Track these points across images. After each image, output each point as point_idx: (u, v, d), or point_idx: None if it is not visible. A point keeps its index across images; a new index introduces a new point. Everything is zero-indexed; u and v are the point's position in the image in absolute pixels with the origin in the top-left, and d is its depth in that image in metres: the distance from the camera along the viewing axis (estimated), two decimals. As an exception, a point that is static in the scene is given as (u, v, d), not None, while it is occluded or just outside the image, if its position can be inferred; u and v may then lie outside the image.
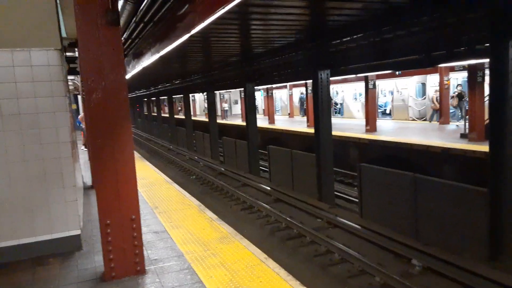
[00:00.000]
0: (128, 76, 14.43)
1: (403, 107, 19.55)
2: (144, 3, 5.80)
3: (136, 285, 3.85)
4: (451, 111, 15.90)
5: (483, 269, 5.50)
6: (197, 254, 4.50)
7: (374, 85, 15.59)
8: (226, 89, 22.58)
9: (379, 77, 16.76)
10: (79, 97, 17.10)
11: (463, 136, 11.51)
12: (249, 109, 14.38)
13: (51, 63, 4.60)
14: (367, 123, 15.28)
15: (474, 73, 11.24)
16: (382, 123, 17.60)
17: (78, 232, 4.84)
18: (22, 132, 4.52)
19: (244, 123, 15.57)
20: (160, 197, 7.44)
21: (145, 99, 38.62)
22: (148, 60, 9.26)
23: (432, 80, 17.62)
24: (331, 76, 9.58)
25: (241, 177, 13.03)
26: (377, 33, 7.37)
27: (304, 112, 23.81)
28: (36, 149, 4.58)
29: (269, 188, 11.25)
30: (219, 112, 29.92)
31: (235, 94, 35.35)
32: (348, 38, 7.97)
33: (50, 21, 4.54)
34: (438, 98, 15.81)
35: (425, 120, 18.05)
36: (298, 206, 9.50)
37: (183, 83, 20.52)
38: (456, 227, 6.32)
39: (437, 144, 10.47)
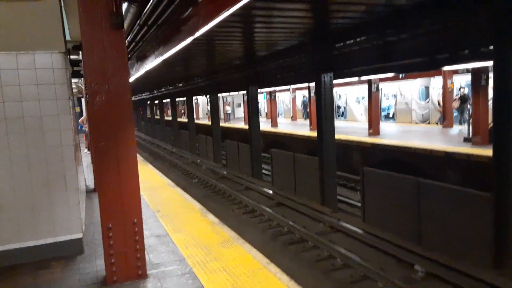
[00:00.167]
0: (131, 79, 14.47)
1: (407, 110, 19.51)
2: (148, 6, 5.82)
3: (138, 289, 3.83)
4: (455, 114, 15.85)
5: (487, 275, 5.46)
6: (198, 258, 4.48)
7: (377, 88, 15.56)
8: (229, 92, 22.62)
9: (382, 80, 16.73)
10: (83, 100, 17.13)
11: (466, 139, 11.46)
12: (252, 112, 14.38)
13: (55, 66, 4.61)
14: (370, 127, 15.24)
15: (478, 76, 11.19)
16: (385, 127, 17.55)
17: (80, 235, 4.83)
18: (25, 135, 4.52)
19: (247, 126, 15.56)
20: (163, 201, 7.42)
21: (148, 102, 38.71)
22: (152, 63, 9.29)
23: (436, 83, 17.57)
24: (334, 79, 9.57)
25: (244, 181, 13.02)
26: (381, 36, 7.36)
27: (307, 115, 23.78)
28: (39, 152, 4.58)
29: (271, 192, 11.23)
30: (222, 115, 29.95)
31: (238, 97, 35.40)
32: (352, 41, 7.96)
33: (55, 24, 4.55)
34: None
35: (428, 123, 18.00)
36: (301, 210, 9.48)
37: (186, 86, 20.55)
38: (459, 232, 6.28)
39: (441, 148, 10.43)
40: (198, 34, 5.73)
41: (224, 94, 28.13)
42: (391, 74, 12.07)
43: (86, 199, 7.32)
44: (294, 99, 27.44)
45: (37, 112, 4.55)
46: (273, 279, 3.86)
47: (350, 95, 23.78)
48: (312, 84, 17.00)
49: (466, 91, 14.51)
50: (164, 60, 8.85)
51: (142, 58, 10.07)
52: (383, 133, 15.05)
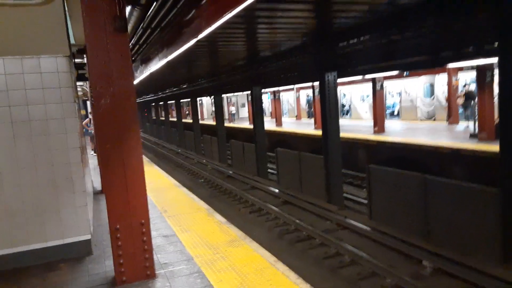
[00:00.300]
0: (136, 82, 14.53)
1: (411, 107, 19.44)
2: (151, 9, 5.85)
3: (147, 289, 3.87)
4: (460, 110, 15.77)
5: (496, 270, 5.44)
6: (206, 258, 4.51)
7: (382, 86, 15.52)
8: (233, 93, 22.65)
9: (386, 78, 16.69)
10: (88, 102, 17.25)
11: (472, 136, 11.41)
12: (257, 112, 14.40)
13: (60, 69, 4.65)
14: (375, 124, 15.21)
15: (483, 73, 11.14)
16: (390, 124, 17.50)
17: (88, 237, 4.87)
18: (32, 139, 4.57)
19: (251, 126, 15.58)
20: (169, 201, 7.46)
21: (153, 104, 38.86)
22: (156, 65, 9.33)
23: (441, 80, 17.49)
24: (338, 78, 9.57)
25: (249, 180, 13.05)
26: (384, 35, 7.34)
27: (312, 114, 23.77)
28: (46, 155, 4.62)
29: (277, 191, 11.25)
30: (226, 116, 29.99)
31: (242, 97, 35.41)
32: (355, 40, 7.95)
33: (59, 28, 4.59)
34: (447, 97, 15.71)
35: (434, 120, 17.92)
36: (307, 208, 9.49)
37: (191, 87, 20.61)
38: (467, 228, 6.26)
39: (446, 144, 10.39)
40: (201, 36, 5.75)
41: (228, 94, 28.16)
42: (395, 72, 12.05)
43: (94, 201, 7.37)
44: (298, 99, 27.43)
45: (43, 116, 4.60)
46: (281, 277, 3.88)
47: (354, 93, 23.74)
48: (316, 83, 17.00)
49: (471, 88, 14.42)
50: (168, 62, 8.88)
51: (146, 60, 10.12)
52: (388, 131, 15.02)
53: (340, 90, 23.21)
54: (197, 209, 6.74)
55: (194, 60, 11.80)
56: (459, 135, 12.28)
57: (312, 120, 21.68)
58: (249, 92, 17.05)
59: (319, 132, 11.35)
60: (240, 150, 15.57)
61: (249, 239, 5.04)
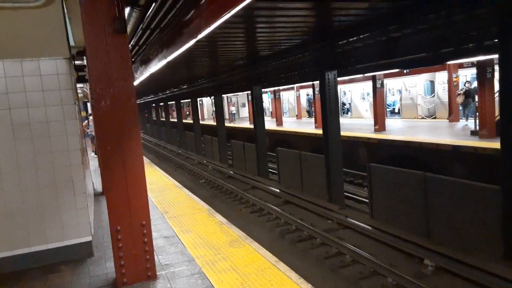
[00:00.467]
0: (136, 83, 14.53)
1: (412, 105, 19.42)
2: (150, 10, 5.84)
3: (148, 291, 3.87)
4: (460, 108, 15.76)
5: (497, 267, 5.43)
6: (207, 258, 4.51)
7: (382, 84, 15.51)
8: (233, 93, 22.65)
9: (386, 76, 16.67)
10: (89, 104, 17.26)
11: (473, 133, 11.39)
12: (257, 112, 14.39)
13: (60, 72, 4.65)
14: (375, 123, 15.20)
15: (483, 70, 11.11)
16: (391, 122, 17.49)
17: (89, 238, 4.87)
18: (32, 141, 4.58)
19: (252, 126, 15.58)
20: (170, 202, 7.46)
21: (153, 105, 38.87)
22: (156, 66, 9.32)
23: (441, 78, 17.47)
24: (338, 77, 9.56)
25: (250, 180, 13.04)
26: (384, 32, 7.33)
27: (312, 113, 23.76)
28: (46, 157, 4.63)
29: (278, 190, 11.24)
30: (227, 116, 29.99)
31: (243, 97, 35.41)
32: (355, 38, 7.94)
33: (58, 30, 4.59)
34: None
35: (434, 117, 17.90)
36: (308, 208, 9.48)
37: (191, 87, 20.61)
38: (468, 226, 6.25)
39: (447, 142, 10.38)
40: (200, 36, 5.73)
41: (228, 94, 28.17)
42: (395, 70, 12.03)
43: (94, 203, 7.38)
44: (298, 98, 27.41)
45: (44, 118, 4.60)
46: (283, 277, 3.87)
47: (354, 91, 23.71)
48: (317, 82, 16.98)
49: (471, 85, 14.39)
50: (168, 63, 8.87)
51: (146, 61, 10.11)
52: (389, 129, 15.00)
53: (341, 88, 23.21)
54: (198, 210, 6.74)
55: (194, 60, 11.80)
56: (460, 133, 12.27)
57: (313, 119, 21.68)
58: (249, 92, 17.04)
59: (319, 131, 11.34)
60: (241, 150, 15.57)
61: (250, 240, 5.05)
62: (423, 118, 18.57)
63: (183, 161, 19.60)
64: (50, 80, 4.62)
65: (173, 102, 30.15)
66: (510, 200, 5.70)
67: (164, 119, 33.56)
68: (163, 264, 4.45)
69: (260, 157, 14.09)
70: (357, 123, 18.99)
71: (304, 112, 27.89)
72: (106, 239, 5.35)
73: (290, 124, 22.57)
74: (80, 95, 12.87)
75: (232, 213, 10.05)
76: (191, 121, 24.42)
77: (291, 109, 30.66)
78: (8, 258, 4.54)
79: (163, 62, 8.45)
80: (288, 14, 6.81)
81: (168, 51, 7.52)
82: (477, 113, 11.64)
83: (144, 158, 4.79)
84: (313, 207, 9.37)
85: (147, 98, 34.61)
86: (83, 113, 15.45)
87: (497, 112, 10.75)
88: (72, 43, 6.38)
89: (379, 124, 15.01)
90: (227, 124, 21.50)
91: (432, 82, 18.38)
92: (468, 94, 14.04)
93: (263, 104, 15.42)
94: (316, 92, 19.37)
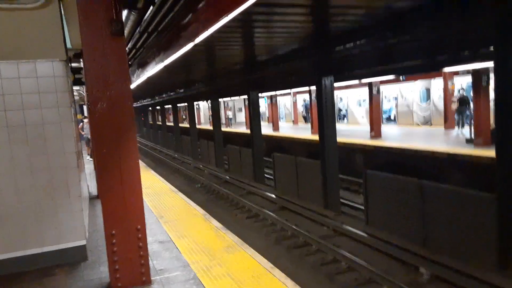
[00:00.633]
0: (133, 86, 14.50)
1: (408, 112, 19.50)
2: (148, 13, 5.84)
3: (142, 296, 3.83)
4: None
5: (493, 277, 5.43)
6: (202, 264, 4.47)
7: (378, 90, 15.56)
8: (230, 97, 22.67)
9: (383, 82, 16.73)
10: (85, 107, 17.20)
11: (468, 141, 11.43)
12: (253, 117, 14.40)
13: (56, 74, 4.62)
14: (371, 129, 15.24)
15: (478, 77, 11.17)
16: (387, 129, 17.54)
17: (83, 242, 4.82)
18: (28, 143, 4.53)
19: (248, 131, 15.58)
20: (166, 206, 7.42)
21: (150, 108, 38.80)
22: (153, 69, 9.31)
23: (437, 85, 17.56)
24: (335, 82, 9.58)
25: (246, 185, 13.02)
26: (381, 38, 7.37)
27: (309, 119, 23.80)
28: (42, 159, 4.58)
29: (274, 196, 11.22)
30: (223, 120, 29.96)
31: (239, 102, 35.42)
32: (352, 44, 7.98)
33: (55, 32, 4.57)
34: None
35: (430, 125, 17.98)
36: (304, 214, 9.46)
37: (187, 91, 20.62)
38: (464, 234, 6.25)
39: (443, 149, 10.41)
40: (198, 40, 5.75)
41: (225, 99, 28.17)
42: (391, 77, 12.08)
43: (89, 206, 7.32)
44: (295, 103, 27.45)
45: (39, 120, 4.56)
46: (278, 284, 3.84)
47: (351, 98, 23.79)
48: (313, 88, 17.02)
49: (465, 93, 14.47)
50: (165, 66, 8.88)
51: (143, 64, 10.11)
52: (384, 136, 15.04)
53: (337, 94, 23.27)
54: (194, 215, 6.70)
55: (191, 64, 11.80)
56: (455, 141, 12.31)
57: (309, 125, 21.71)
58: (246, 96, 17.05)
59: (316, 137, 11.35)
60: (237, 155, 15.55)
61: (245, 245, 5.01)
62: (418, 125, 18.64)
63: (179, 166, 19.55)
64: (47, 82, 4.58)
65: (170, 105, 30.11)
66: (505, 209, 5.71)
67: (160, 123, 33.50)
68: (157, 269, 4.41)
69: (256, 162, 14.07)
70: (353, 130, 19.03)
71: (301, 117, 27.92)
72: (101, 243, 5.30)
73: (286, 130, 22.58)
74: (76, 98, 12.82)
75: (228, 218, 10.01)
76: (188, 125, 24.39)
77: (288, 114, 30.69)
78: (4, 261, 4.48)
79: (160, 65, 8.45)
80: (286, 19, 6.84)
81: (165, 54, 7.53)
82: (472, 121, 11.69)
83: (140, 162, 4.76)
84: (309, 213, 9.35)
85: (144, 102, 34.57)
86: (79, 116, 15.39)
87: (492, 121, 10.82)
88: (69, 45, 6.36)
89: (375, 130, 15.05)
90: (223, 128, 21.48)
91: (428, 90, 18.48)
92: (463, 101, 14.10)
93: (260, 109, 15.44)
94: (313, 98, 19.41)
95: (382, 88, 18.16)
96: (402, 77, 17.40)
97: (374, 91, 15.35)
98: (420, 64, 7.30)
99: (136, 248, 3.93)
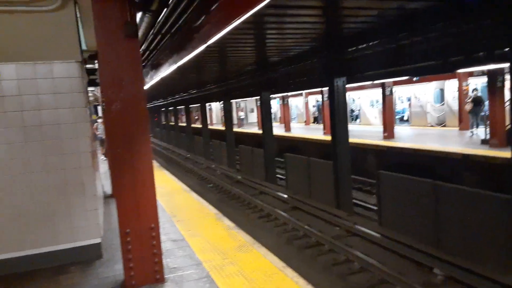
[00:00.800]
0: (146, 87, 14.65)
1: (421, 113, 19.31)
2: (161, 15, 5.91)
3: (156, 294, 3.88)
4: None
5: (508, 278, 5.36)
6: (215, 263, 4.51)
7: (391, 91, 15.46)
8: (242, 98, 22.72)
9: (396, 83, 16.61)
10: (99, 107, 17.44)
11: (484, 142, 11.29)
12: (265, 117, 14.42)
13: (72, 75, 4.72)
14: (384, 130, 15.14)
15: (493, 78, 11.03)
16: (400, 130, 17.40)
17: (98, 240, 4.91)
18: (44, 143, 4.63)
19: (260, 131, 15.61)
20: (178, 206, 7.49)
21: (163, 109, 39.10)
22: (166, 70, 9.40)
23: (451, 86, 17.36)
24: (347, 83, 9.55)
25: (258, 185, 13.04)
26: (393, 40, 7.33)
27: (320, 119, 23.70)
28: (57, 159, 4.68)
29: (286, 196, 11.22)
30: (235, 121, 30.04)
31: (251, 102, 35.50)
32: (364, 45, 7.94)
33: (71, 34, 4.66)
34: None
35: (444, 126, 17.77)
36: (316, 214, 9.45)
37: (200, 92, 20.72)
38: (479, 235, 6.18)
39: (457, 150, 10.29)
40: (210, 41, 5.79)
41: (237, 100, 28.26)
42: (405, 78, 11.97)
43: (104, 205, 7.42)
44: (307, 104, 27.39)
45: (55, 120, 4.66)
46: (290, 283, 3.86)
47: (363, 98, 23.66)
48: (325, 89, 16.97)
49: (479, 93, 14.26)
50: (178, 68, 8.95)
51: (156, 66, 10.20)
52: (398, 136, 14.93)
53: (349, 95, 23.16)
54: (206, 214, 6.75)
55: (203, 65, 11.88)
56: (469, 141, 12.16)
57: (321, 125, 21.64)
58: (258, 97, 17.09)
59: (328, 138, 11.32)
60: (249, 155, 15.58)
61: (258, 245, 5.04)
62: (432, 126, 18.44)
63: (191, 165, 19.66)
64: (62, 83, 4.68)
65: (182, 106, 30.31)
66: (521, 210, 5.64)
67: (173, 123, 33.73)
68: (171, 267, 4.46)
69: (268, 162, 14.09)
70: (365, 130, 18.92)
71: (312, 118, 27.86)
72: (115, 241, 5.37)
73: (298, 130, 22.55)
74: (90, 98, 13.00)
75: (240, 218, 10.04)
76: (200, 126, 24.51)
77: (300, 115, 30.64)
78: (20, 258, 4.59)
79: (173, 67, 8.52)
80: (298, 21, 6.84)
81: (178, 56, 7.59)
82: (487, 122, 11.54)
83: (153, 161, 4.82)
84: (321, 213, 9.33)
85: (157, 102, 34.84)
86: (94, 116, 15.60)
87: (507, 121, 10.67)
88: (84, 47, 6.46)
89: (388, 131, 14.95)
90: (235, 129, 21.55)
91: (442, 90, 18.27)
92: (477, 101, 13.90)
93: (272, 110, 15.46)
94: (325, 99, 19.35)
95: (395, 89, 18.03)
96: (416, 78, 17.24)
97: (387, 92, 15.26)
98: (434, 65, 7.22)
99: (150, 246, 3.99)
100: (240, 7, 4.38)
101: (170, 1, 5.39)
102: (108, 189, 8.82)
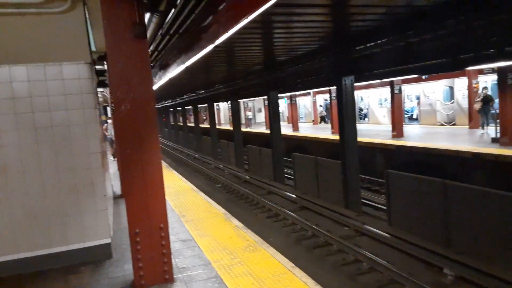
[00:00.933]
0: (155, 87, 14.71)
1: (431, 111, 19.15)
2: (169, 16, 5.93)
3: (165, 293, 3.90)
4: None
5: (519, 278, 5.30)
6: (224, 263, 4.52)
7: (400, 90, 15.35)
8: (250, 98, 22.71)
9: (404, 81, 16.48)
10: (109, 108, 17.56)
11: (494, 140, 11.17)
12: (273, 117, 14.41)
13: (81, 76, 4.76)
14: (393, 129, 15.04)
15: (504, 76, 10.90)
16: (409, 128, 17.28)
17: (108, 240, 4.94)
18: (54, 144, 4.68)
19: (268, 131, 15.61)
20: (187, 206, 7.51)
21: (171, 109, 39.27)
22: (174, 71, 9.43)
23: (461, 84, 17.19)
24: (355, 82, 9.50)
25: (266, 185, 13.03)
26: (402, 38, 7.27)
27: (328, 119, 23.62)
28: (68, 159, 4.72)
29: (294, 196, 11.20)
30: (243, 121, 30.05)
31: (259, 102, 35.47)
32: (372, 43, 7.90)
33: (80, 35, 4.70)
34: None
35: (454, 124, 17.61)
36: (324, 214, 9.42)
37: (208, 92, 20.77)
38: (489, 235, 6.12)
39: (467, 149, 10.19)
40: (218, 41, 5.79)
41: (245, 99, 28.26)
42: (413, 76, 11.87)
43: (114, 206, 7.48)
44: (315, 103, 27.32)
45: (65, 121, 4.71)
46: (299, 283, 3.86)
47: (372, 97, 23.53)
48: (333, 88, 16.91)
49: (488, 91, 14.09)
50: (186, 68, 8.97)
51: (164, 66, 10.24)
52: (407, 135, 14.82)
53: (358, 94, 23.05)
54: (215, 214, 6.77)
55: (211, 65, 11.90)
56: (479, 140, 12.04)
57: (329, 125, 21.56)
58: (265, 97, 17.08)
59: (336, 137, 11.28)
60: (257, 155, 15.59)
61: (266, 245, 5.04)
62: (442, 124, 18.28)
63: (200, 165, 19.72)
64: (72, 84, 4.72)
65: (191, 106, 30.41)
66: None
67: (181, 124, 33.85)
68: (180, 267, 4.48)
69: (276, 162, 14.08)
70: (374, 129, 18.82)
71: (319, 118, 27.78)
72: (124, 241, 5.41)
73: (306, 130, 22.50)
74: (100, 99, 13.08)
75: (248, 218, 10.05)
76: (208, 126, 24.57)
77: (308, 114, 30.55)
78: (31, 259, 4.64)
79: (182, 67, 8.54)
80: (305, 20, 6.82)
81: (187, 56, 7.61)
82: (498, 120, 11.41)
83: (162, 161, 4.85)
84: (329, 213, 9.30)
85: (165, 103, 34.99)
86: (103, 117, 15.70)
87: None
88: (93, 48, 6.51)
89: (397, 130, 14.85)
90: (243, 129, 21.57)
91: (451, 88, 18.10)
92: (486, 100, 13.74)
93: (279, 109, 15.43)
94: (333, 98, 19.28)
95: (404, 87, 17.89)
96: (425, 76, 17.10)
97: (396, 90, 15.16)
98: (443, 63, 7.16)
99: (159, 246, 4.01)
100: (247, 6, 4.38)
101: (178, 1, 5.40)
102: (118, 189, 8.87)
